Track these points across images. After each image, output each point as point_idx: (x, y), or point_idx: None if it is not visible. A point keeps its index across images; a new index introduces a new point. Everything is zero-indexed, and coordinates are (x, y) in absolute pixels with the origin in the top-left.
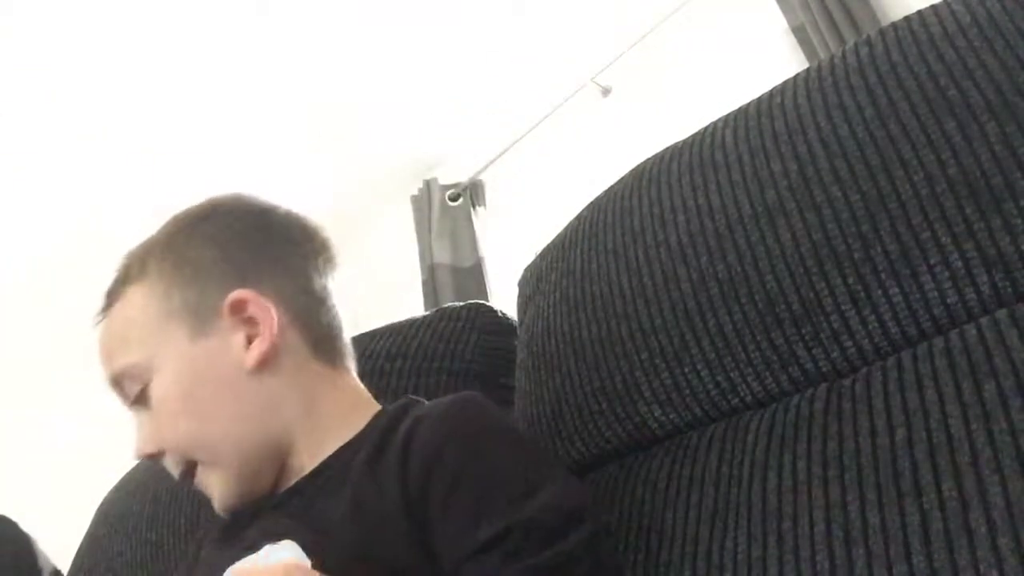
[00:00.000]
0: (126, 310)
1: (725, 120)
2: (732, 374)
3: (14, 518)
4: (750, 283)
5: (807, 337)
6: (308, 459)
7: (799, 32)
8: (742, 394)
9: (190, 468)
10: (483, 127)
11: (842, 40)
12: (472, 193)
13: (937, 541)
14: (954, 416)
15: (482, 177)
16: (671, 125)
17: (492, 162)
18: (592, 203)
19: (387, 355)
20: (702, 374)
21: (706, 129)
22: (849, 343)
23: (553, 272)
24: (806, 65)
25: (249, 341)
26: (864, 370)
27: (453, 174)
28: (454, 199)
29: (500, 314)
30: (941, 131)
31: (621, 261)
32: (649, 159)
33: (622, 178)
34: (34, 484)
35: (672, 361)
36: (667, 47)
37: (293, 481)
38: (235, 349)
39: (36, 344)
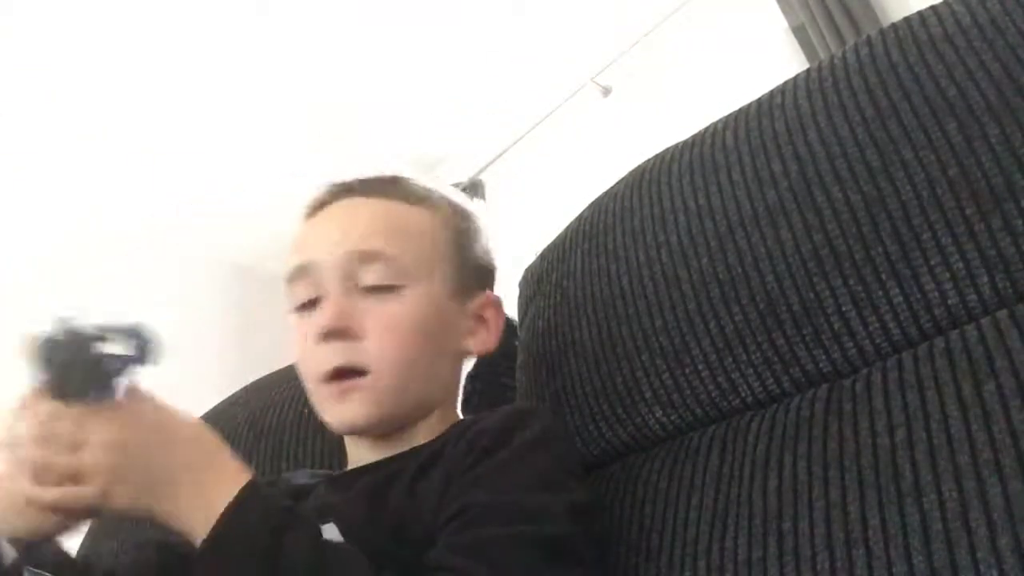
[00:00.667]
0: (412, 215)
1: (725, 121)
2: (733, 375)
3: None
4: (751, 284)
5: (808, 338)
6: (407, 441)
7: (799, 32)
8: (743, 395)
9: (349, 371)
10: (483, 127)
11: (842, 40)
12: (472, 193)
13: (937, 541)
14: (954, 417)
15: (482, 177)
16: (671, 125)
17: (492, 162)
18: (592, 203)
19: None
20: (703, 375)
21: (706, 130)
22: (850, 344)
23: (554, 273)
24: (806, 65)
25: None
26: (865, 371)
27: (453, 174)
28: None
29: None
30: (942, 132)
31: (622, 262)
32: (649, 160)
33: (622, 178)
34: None
35: (673, 362)
36: (667, 47)
37: (375, 459)
38: (462, 328)
39: None
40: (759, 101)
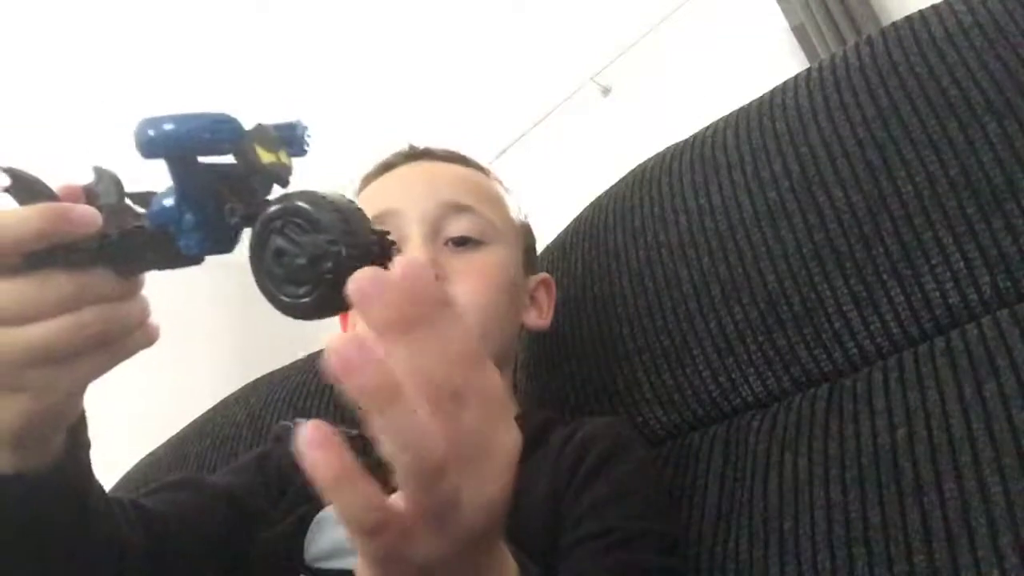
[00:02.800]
0: (491, 184)
1: (726, 120)
2: (734, 374)
3: None
4: (751, 283)
5: (809, 337)
6: None
7: (799, 32)
8: (744, 394)
9: None
10: (483, 126)
11: (842, 40)
12: None
13: (938, 540)
14: (955, 416)
15: None
16: (671, 125)
17: (492, 162)
18: (592, 203)
19: None
20: (703, 375)
21: (707, 129)
22: (851, 343)
23: (554, 272)
24: (806, 65)
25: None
26: (866, 370)
27: None
28: None
29: None
30: (943, 131)
31: (622, 262)
32: (650, 159)
33: (623, 178)
34: None
35: (674, 362)
36: (667, 47)
37: None
38: (523, 301)
39: None
40: (760, 101)
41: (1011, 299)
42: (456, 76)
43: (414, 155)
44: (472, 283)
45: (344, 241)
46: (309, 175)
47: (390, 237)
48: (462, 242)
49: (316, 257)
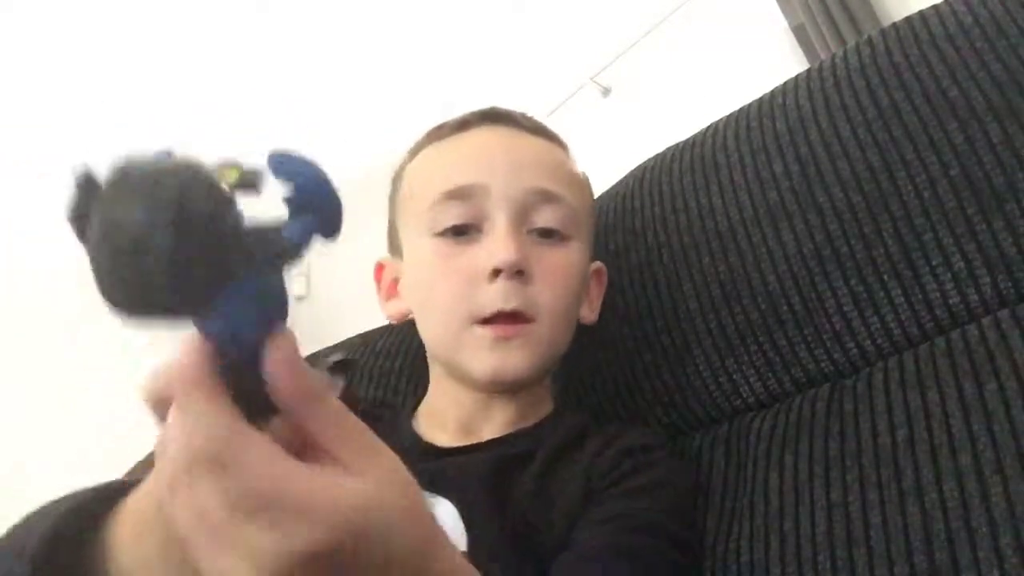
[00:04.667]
0: (576, 168)
1: (726, 120)
2: (734, 375)
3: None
4: (752, 284)
5: (809, 338)
6: (520, 416)
7: (799, 32)
8: (744, 395)
9: (520, 316)
10: None
11: (842, 40)
12: None
13: (939, 540)
14: (956, 416)
15: None
16: (671, 125)
17: None
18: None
19: (387, 353)
20: (704, 375)
21: (707, 130)
22: (851, 343)
23: None
24: (806, 65)
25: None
26: (866, 370)
27: None
28: None
29: None
30: (943, 132)
31: (622, 262)
32: (650, 160)
33: (623, 179)
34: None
35: (674, 362)
36: (667, 47)
37: (496, 433)
38: (583, 297)
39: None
40: (760, 101)
41: (1011, 299)
42: (456, 75)
43: (494, 117)
44: (553, 286)
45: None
46: None
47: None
48: (547, 234)
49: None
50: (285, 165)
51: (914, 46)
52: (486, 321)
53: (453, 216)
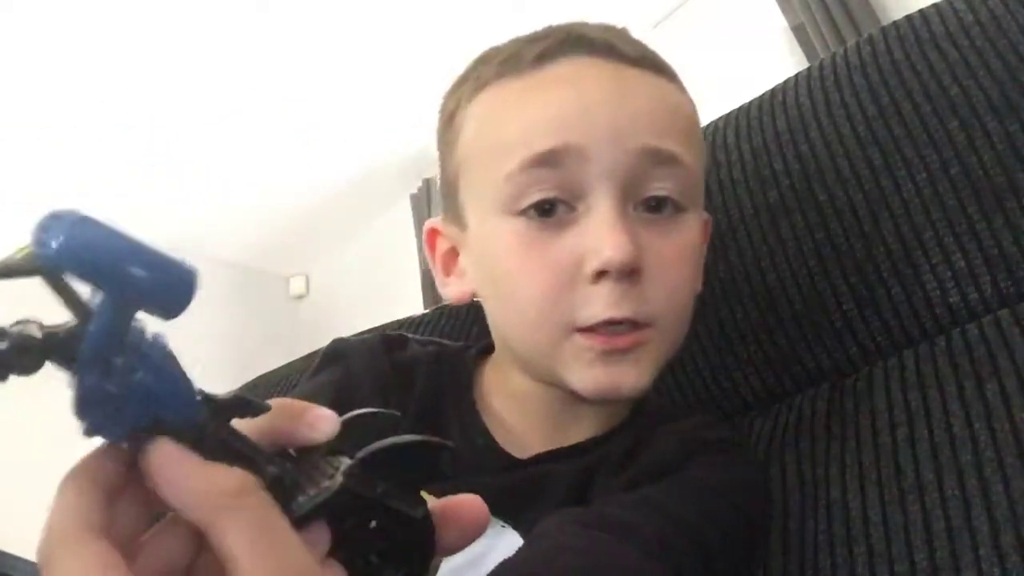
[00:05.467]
0: (692, 109)
1: (726, 119)
2: (734, 373)
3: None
4: (752, 282)
5: (809, 336)
6: (615, 414)
7: (799, 31)
8: (744, 394)
9: (633, 323)
10: None
11: (842, 39)
12: None
13: (939, 539)
14: (956, 415)
15: None
16: None
17: None
18: None
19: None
20: (703, 374)
21: (706, 128)
22: (851, 342)
23: None
24: (806, 64)
25: None
26: (866, 369)
27: None
28: None
29: None
30: (944, 130)
31: None
32: None
33: None
34: None
35: (674, 362)
36: (667, 47)
37: (577, 439)
38: None
39: None
40: (760, 99)
41: (1012, 298)
42: (456, 75)
43: (588, 44)
44: (672, 279)
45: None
46: (305, 175)
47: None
48: (657, 206)
49: None
50: (54, 242)
51: (914, 44)
52: (590, 328)
53: (538, 189)
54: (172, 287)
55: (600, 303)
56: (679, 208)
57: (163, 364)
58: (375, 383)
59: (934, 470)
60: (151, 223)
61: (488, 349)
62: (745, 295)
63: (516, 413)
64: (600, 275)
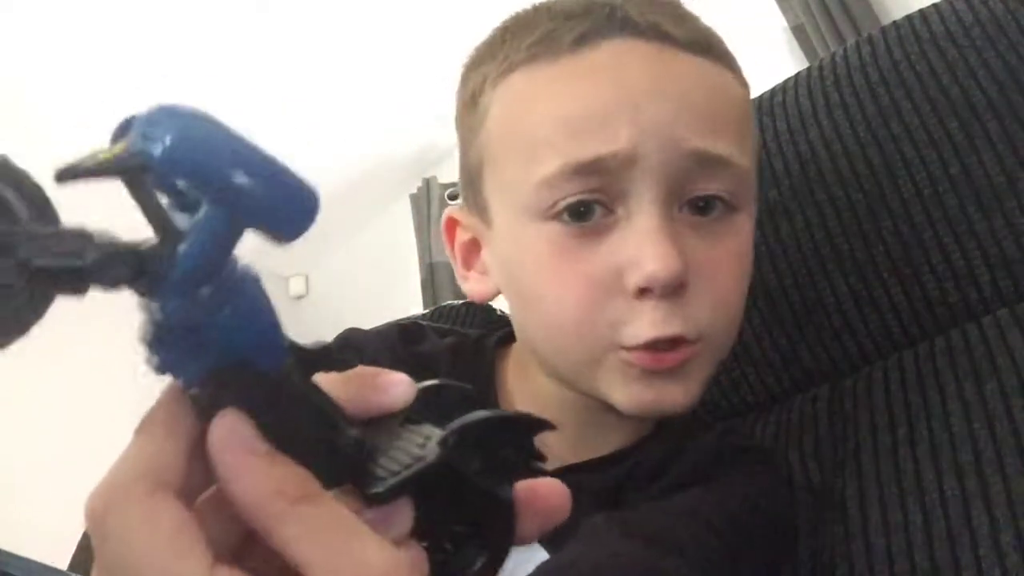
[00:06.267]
0: (744, 95)
1: None
2: (733, 374)
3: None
4: (752, 282)
5: (809, 336)
6: (649, 421)
7: (799, 31)
8: (743, 394)
9: (680, 340)
10: None
11: (841, 39)
12: None
13: (939, 539)
14: (956, 415)
15: None
16: None
17: None
18: None
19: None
20: None
21: None
22: (851, 342)
23: None
24: (805, 64)
25: None
26: (866, 369)
27: (452, 172)
28: (453, 198)
29: (499, 312)
30: (943, 129)
31: None
32: None
33: None
34: None
35: None
36: None
37: (610, 449)
38: None
39: None
40: (760, 99)
41: (1011, 298)
42: (455, 74)
43: (632, 25)
44: (722, 290)
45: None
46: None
47: None
48: (707, 206)
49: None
50: (159, 133)
51: (914, 44)
52: (637, 346)
53: (575, 191)
54: (292, 206)
55: (644, 321)
56: (730, 208)
57: (255, 300)
58: None
59: (934, 470)
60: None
61: (509, 337)
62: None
63: None
64: (643, 291)
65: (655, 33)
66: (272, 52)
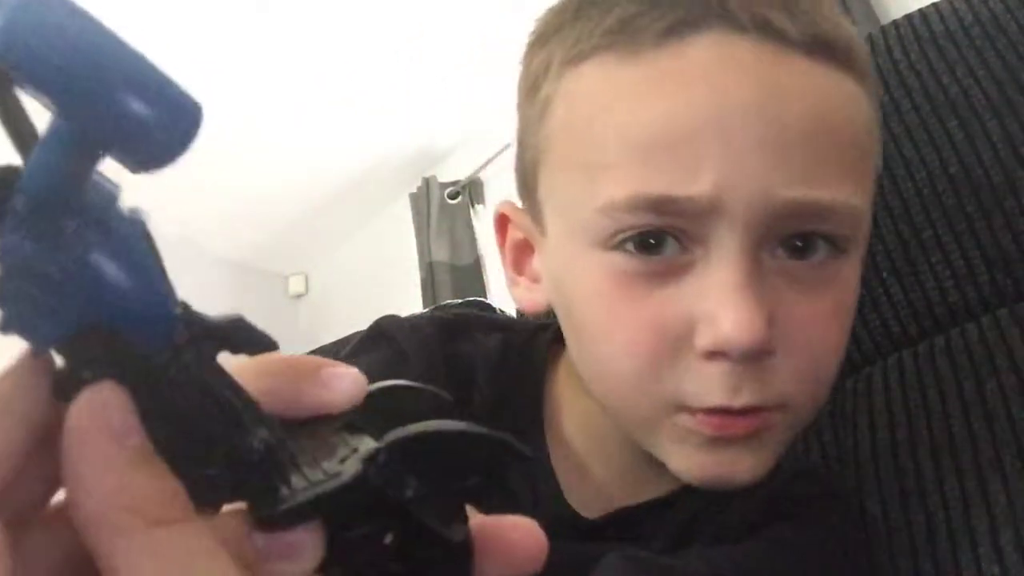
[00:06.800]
0: (870, 112)
1: None
2: None
3: None
4: None
5: None
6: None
7: None
8: None
9: (757, 409)
10: (482, 125)
11: None
12: (471, 191)
13: (939, 539)
14: (956, 415)
15: (481, 175)
16: None
17: (491, 160)
18: None
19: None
20: None
21: None
22: (850, 342)
23: None
24: None
25: None
26: (866, 369)
27: (452, 172)
28: (453, 197)
29: (499, 312)
30: (943, 129)
31: None
32: None
33: None
34: None
35: None
36: None
37: (658, 493)
38: None
39: None
40: None
41: (1010, 297)
42: (454, 73)
43: (732, 16)
44: (815, 355)
45: None
46: (304, 174)
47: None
48: (806, 246)
49: None
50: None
51: (914, 43)
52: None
53: (644, 223)
54: (163, 120)
55: (713, 386)
56: (837, 250)
57: (134, 248)
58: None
59: (934, 470)
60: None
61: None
62: None
63: (593, 453)
64: (718, 356)
65: (762, 29)
66: (272, 52)
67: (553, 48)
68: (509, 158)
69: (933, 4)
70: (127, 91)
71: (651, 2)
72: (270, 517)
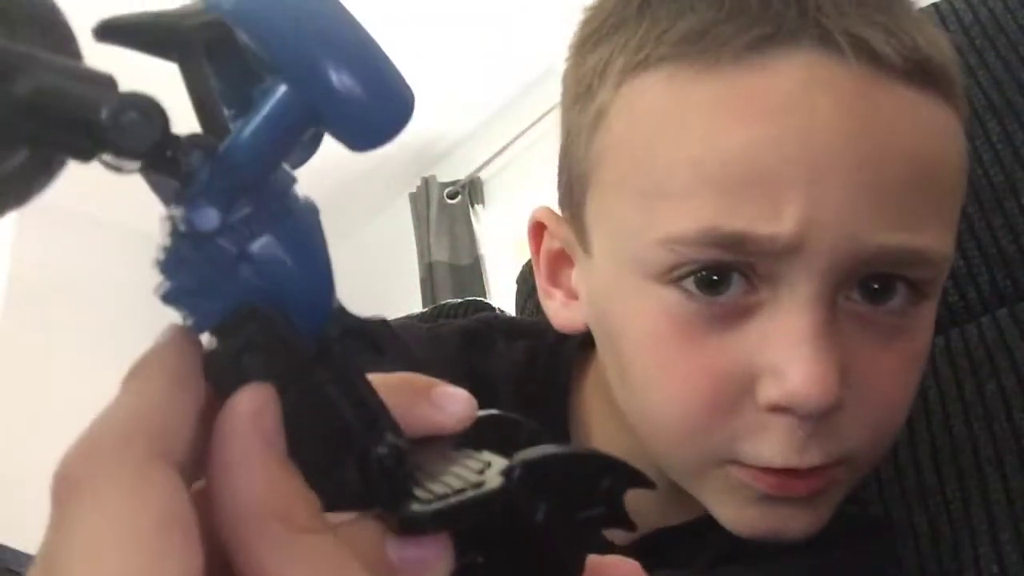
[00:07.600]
0: (962, 144)
1: None
2: None
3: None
4: None
5: None
6: None
7: None
8: None
9: (827, 466)
10: (482, 125)
11: None
12: (471, 191)
13: (940, 538)
14: (956, 415)
15: (481, 175)
16: None
17: (491, 160)
18: None
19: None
20: None
21: None
22: None
23: None
24: None
25: None
26: None
27: (452, 172)
28: (452, 197)
29: (498, 311)
30: None
31: None
32: None
33: None
34: None
35: None
36: None
37: (689, 516)
38: None
39: None
40: None
41: (1010, 298)
42: (454, 73)
43: (825, 35)
44: (888, 401)
45: None
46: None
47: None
48: (884, 290)
49: None
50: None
51: None
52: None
53: (708, 259)
54: (381, 101)
55: (776, 444)
56: (918, 295)
57: (311, 233)
58: None
59: (934, 470)
60: (149, 221)
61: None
62: None
63: None
64: (784, 412)
65: (860, 50)
66: None
67: (612, 49)
68: (509, 158)
69: (933, 4)
70: (353, 70)
71: (734, 8)
72: (415, 517)
